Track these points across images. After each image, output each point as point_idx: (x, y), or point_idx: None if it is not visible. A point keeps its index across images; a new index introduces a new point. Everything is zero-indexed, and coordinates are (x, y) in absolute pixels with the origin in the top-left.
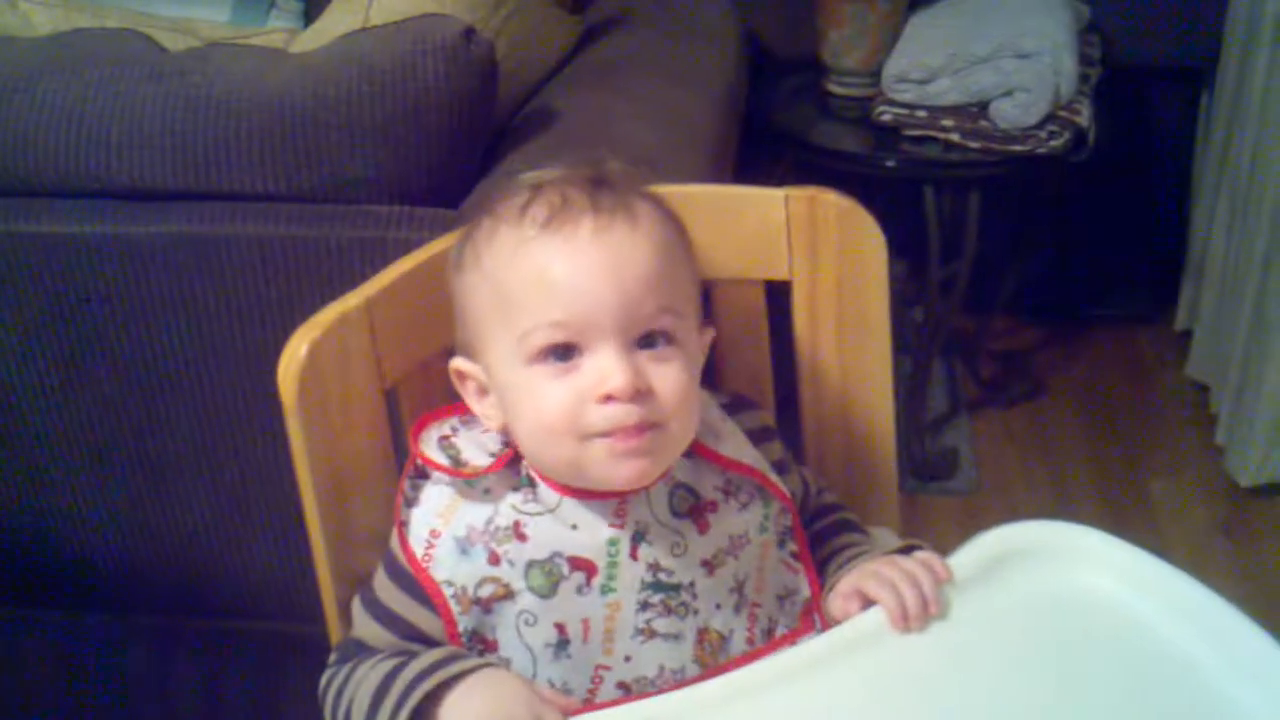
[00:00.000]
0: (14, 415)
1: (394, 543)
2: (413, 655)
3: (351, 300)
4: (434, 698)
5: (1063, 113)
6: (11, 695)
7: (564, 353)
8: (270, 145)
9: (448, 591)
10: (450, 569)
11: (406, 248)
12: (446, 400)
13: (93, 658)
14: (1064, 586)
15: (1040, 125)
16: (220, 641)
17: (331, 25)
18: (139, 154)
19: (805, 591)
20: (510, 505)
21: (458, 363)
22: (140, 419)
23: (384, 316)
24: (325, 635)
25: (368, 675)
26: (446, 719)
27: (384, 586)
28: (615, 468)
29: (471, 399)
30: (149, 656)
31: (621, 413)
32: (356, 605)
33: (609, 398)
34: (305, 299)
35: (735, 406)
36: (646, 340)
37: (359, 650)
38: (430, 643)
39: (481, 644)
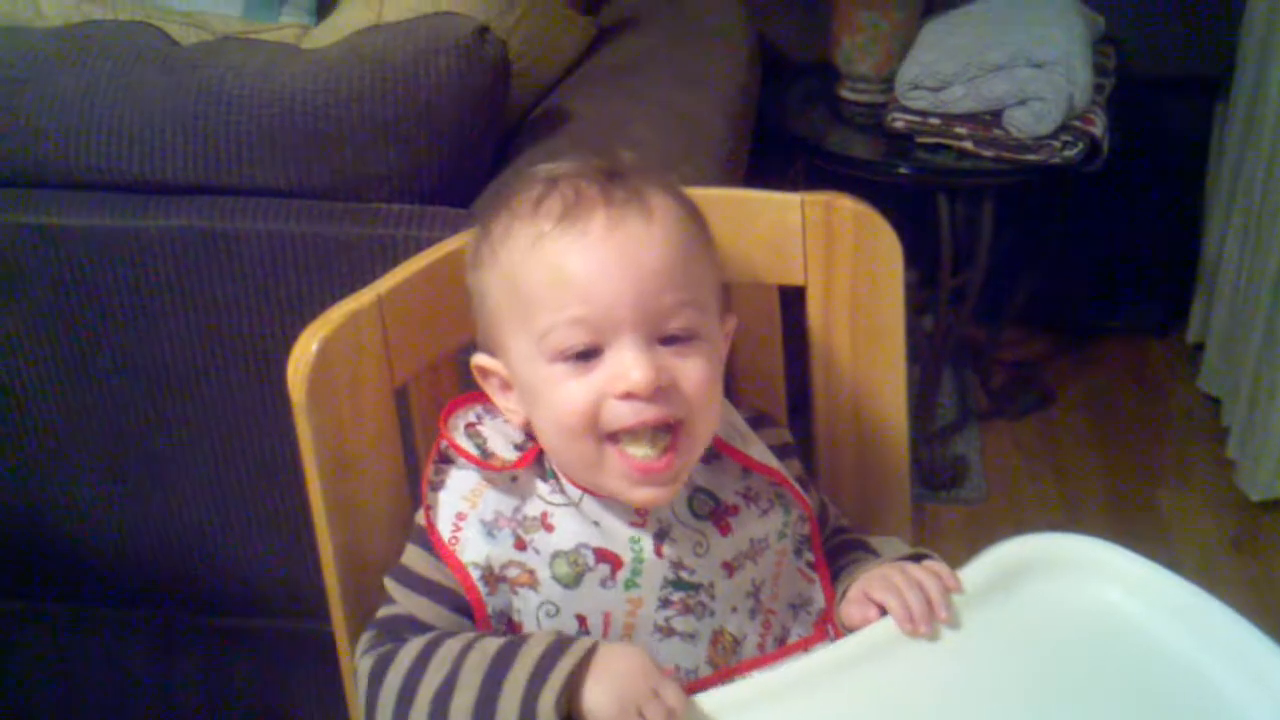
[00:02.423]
0: (19, 408)
1: (420, 520)
2: (513, 637)
3: (363, 297)
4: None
5: (1077, 123)
6: (11, 688)
7: (586, 352)
8: (282, 141)
9: (475, 574)
10: (476, 550)
11: (417, 246)
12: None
13: (93, 652)
14: (1075, 598)
15: (1054, 135)
16: (223, 637)
17: (344, 21)
18: (149, 147)
19: (820, 601)
20: (538, 496)
21: (480, 359)
22: (147, 414)
23: (395, 315)
24: (329, 632)
25: (467, 654)
26: (585, 702)
27: (418, 559)
28: (631, 490)
29: (495, 394)
30: (150, 651)
31: (640, 409)
32: (392, 584)
33: (629, 395)
34: (314, 296)
35: (757, 422)
36: (670, 338)
37: (412, 625)
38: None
39: (507, 625)
